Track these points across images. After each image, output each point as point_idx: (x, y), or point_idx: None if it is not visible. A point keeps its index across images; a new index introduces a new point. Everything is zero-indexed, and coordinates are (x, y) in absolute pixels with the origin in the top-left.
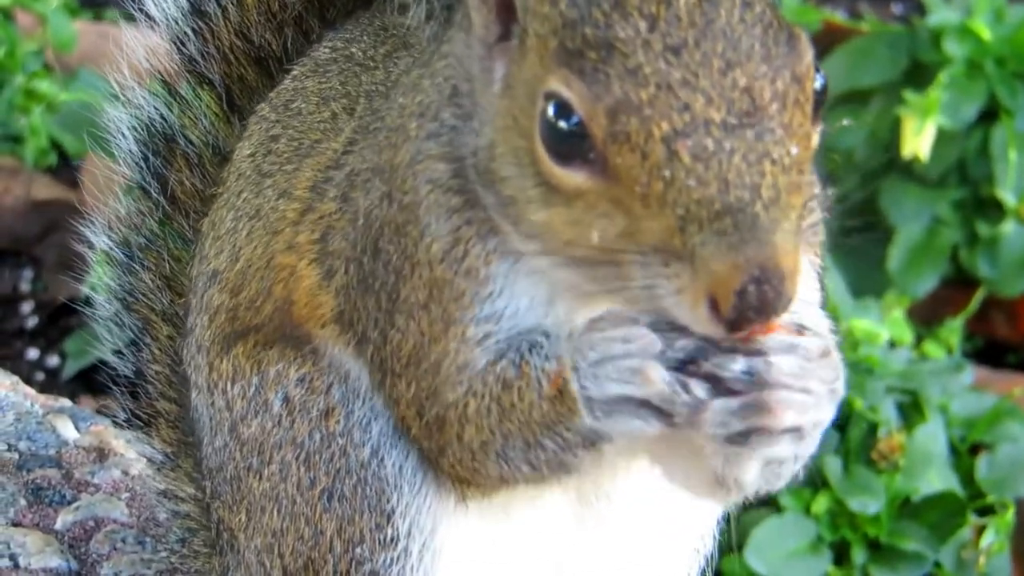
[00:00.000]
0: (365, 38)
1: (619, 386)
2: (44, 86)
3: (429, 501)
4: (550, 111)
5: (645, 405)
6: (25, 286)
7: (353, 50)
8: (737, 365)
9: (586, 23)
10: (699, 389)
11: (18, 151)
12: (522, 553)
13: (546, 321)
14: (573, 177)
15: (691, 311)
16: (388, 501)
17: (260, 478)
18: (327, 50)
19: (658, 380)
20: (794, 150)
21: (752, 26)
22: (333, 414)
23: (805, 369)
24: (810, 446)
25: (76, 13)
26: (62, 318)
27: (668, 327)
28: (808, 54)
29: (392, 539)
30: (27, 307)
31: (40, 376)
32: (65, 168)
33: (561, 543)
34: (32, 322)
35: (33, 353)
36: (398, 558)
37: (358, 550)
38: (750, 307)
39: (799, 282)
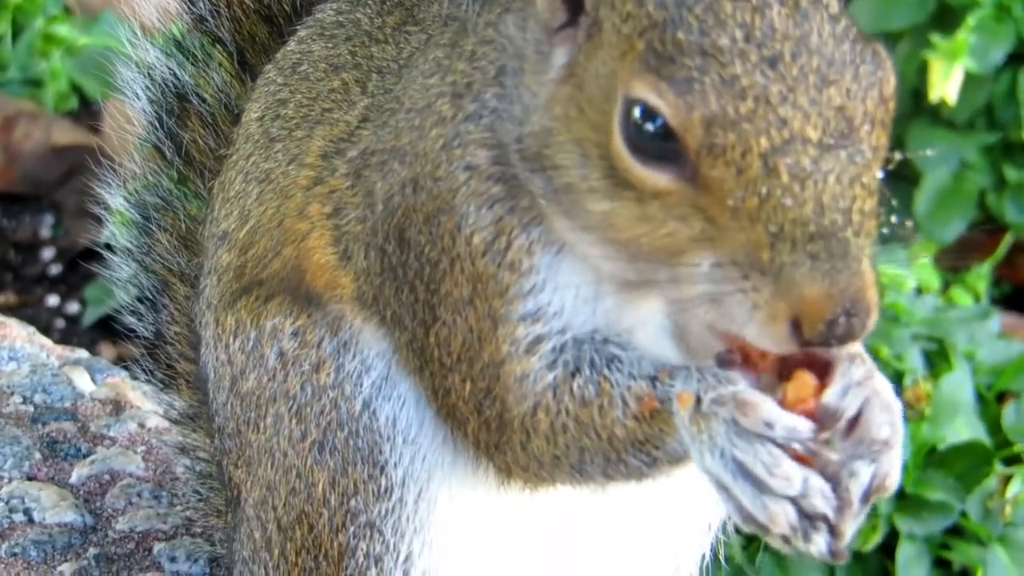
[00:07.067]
0: (370, 3)
1: (753, 465)
2: (63, 30)
3: (424, 452)
4: (636, 113)
5: (765, 489)
6: (46, 232)
7: (359, 16)
8: (866, 474)
9: (678, 27)
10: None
11: (38, 95)
12: (520, 503)
13: (598, 321)
14: (656, 177)
15: (767, 327)
16: (381, 452)
17: (257, 432)
18: (332, 12)
19: (797, 481)
20: (878, 174)
21: (841, 41)
22: (324, 367)
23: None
24: None
25: None
26: (83, 264)
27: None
28: (892, 74)
29: (387, 489)
30: (48, 253)
31: (60, 323)
32: (86, 112)
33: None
34: (53, 268)
35: (53, 300)
36: (393, 508)
37: (352, 502)
38: (836, 336)
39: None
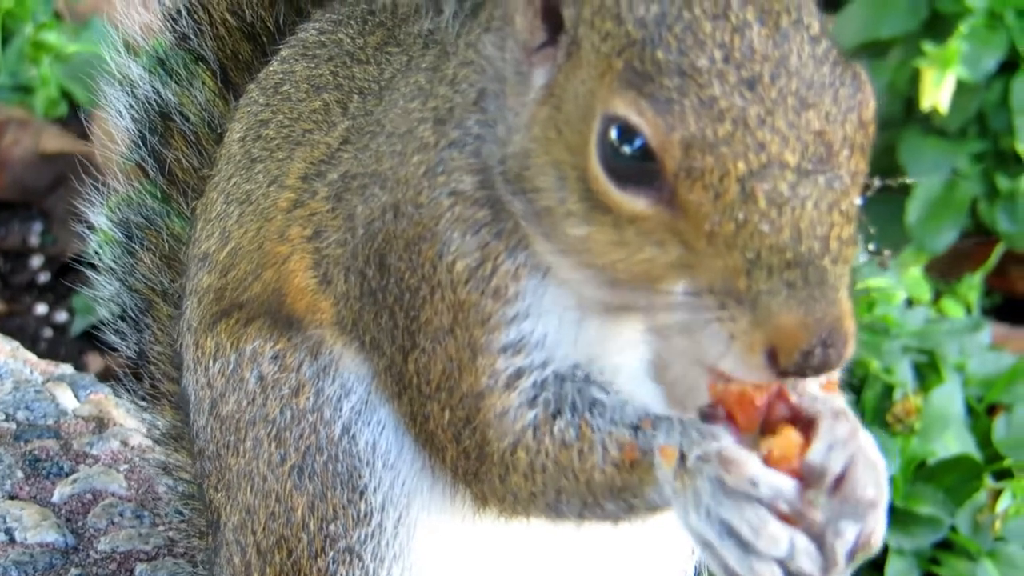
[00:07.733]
0: (352, 23)
1: (739, 526)
2: (52, 36)
3: (403, 477)
4: (613, 133)
5: (751, 550)
6: (34, 239)
7: (341, 36)
8: (851, 533)
9: (657, 46)
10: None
11: (28, 102)
12: (499, 529)
13: (580, 354)
14: (632, 201)
15: (743, 357)
16: (361, 477)
17: (236, 455)
18: (315, 32)
19: (783, 543)
20: (856, 200)
21: (820, 63)
22: (303, 391)
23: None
24: None
25: None
26: (71, 272)
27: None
28: (872, 98)
29: (366, 515)
30: (36, 261)
31: (48, 332)
32: (75, 118)
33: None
34: (41, 276)
35: (42, 308)
36: (373, 534)
37: (332, 527)
38: (811, 366)
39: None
